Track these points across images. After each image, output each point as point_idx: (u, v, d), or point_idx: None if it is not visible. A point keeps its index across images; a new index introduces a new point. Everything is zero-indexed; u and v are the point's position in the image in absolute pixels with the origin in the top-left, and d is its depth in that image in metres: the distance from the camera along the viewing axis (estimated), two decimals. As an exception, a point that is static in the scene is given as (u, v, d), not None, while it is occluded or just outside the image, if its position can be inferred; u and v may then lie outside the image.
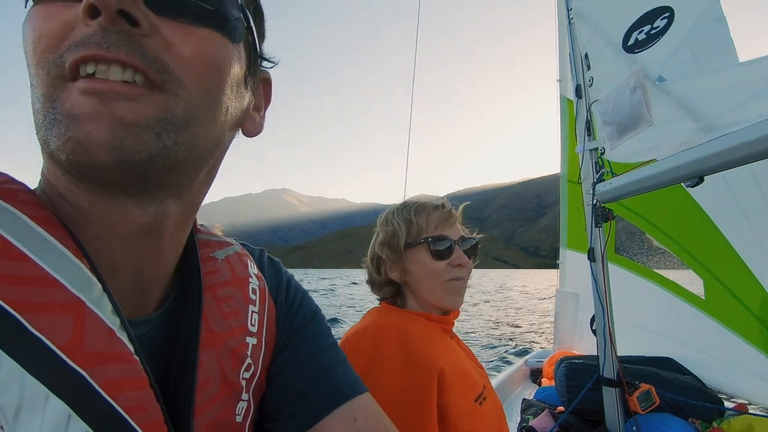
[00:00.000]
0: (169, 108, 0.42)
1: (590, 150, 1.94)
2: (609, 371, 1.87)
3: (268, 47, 0.58)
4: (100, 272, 0.44)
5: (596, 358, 2.22)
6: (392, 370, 1.12)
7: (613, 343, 1.87)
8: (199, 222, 0.63)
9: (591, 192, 1.88)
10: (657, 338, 2.74)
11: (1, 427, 0.34)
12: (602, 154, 1.87)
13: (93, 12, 0.39)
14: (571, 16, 2.01)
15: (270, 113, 0.63)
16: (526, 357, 3.88)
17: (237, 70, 0.50)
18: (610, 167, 1.84)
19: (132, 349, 0.43)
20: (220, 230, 0.70)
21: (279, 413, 0.62)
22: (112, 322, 0.42)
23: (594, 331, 3.37)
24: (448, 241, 1.30)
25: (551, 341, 3.87)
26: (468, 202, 1.53)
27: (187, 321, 0.54)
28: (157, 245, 0.50)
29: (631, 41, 1.59)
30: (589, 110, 1.93)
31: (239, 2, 0.49)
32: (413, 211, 1.35)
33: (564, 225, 3.42)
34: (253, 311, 0.61)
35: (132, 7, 0.39)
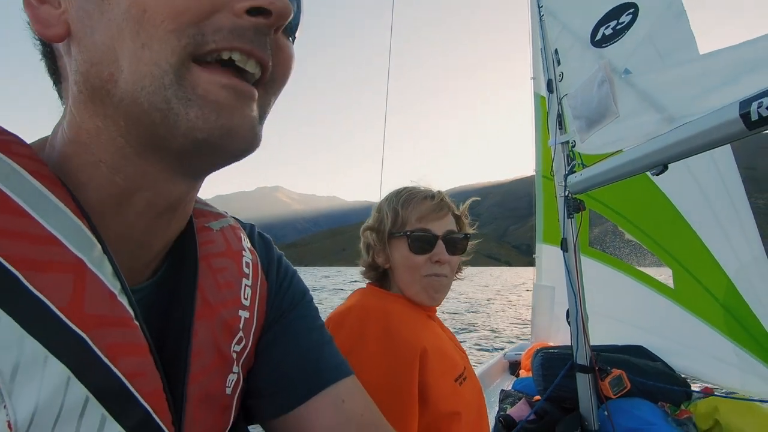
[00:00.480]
0: (267, 105, 0.48)
1: (561, 143, 1.99)
2: (582, 358, 1.92)
3: None
4: (111, 236, 0.44)
5: (571, 347, 2.27)
6: (375, 350, 1.13)
7: (585, 331, 1.93)
8: None
9: (563, 184, 1.93)
10: (629, 328, 2.82)
11: None
12: (573, 146, 1.92)
13: (255, 11, 0.42)
14: (542, 13, 2.06)
15: None
16: (505, 350, 3.94)
17: None
18: (581, 159, 1.89)
19: (132, 313, 0.43)
20: None
21: (263, 391, 0.62)
22: (113, 285, 0.41)
23: (569, 323, 3.46)
24: (430, 236, 1.28)
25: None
26: (477, 198, 1.55)
27: (183, 290, 0.53)
28: (170, 219, 0.50)
29: (599, 36, 1.64)
30: (560, 104, 1.98)
31: (300, 17, 0.54)
32: (402, 201, 1.33)
33: (540, 220, 3.49)
34: (246, 285, 0.61)
35: (291, 17, 0.44)
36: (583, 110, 1.73)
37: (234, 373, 0.57)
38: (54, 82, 0.50)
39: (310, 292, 0.74)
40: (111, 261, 0.42)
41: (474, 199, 1.48)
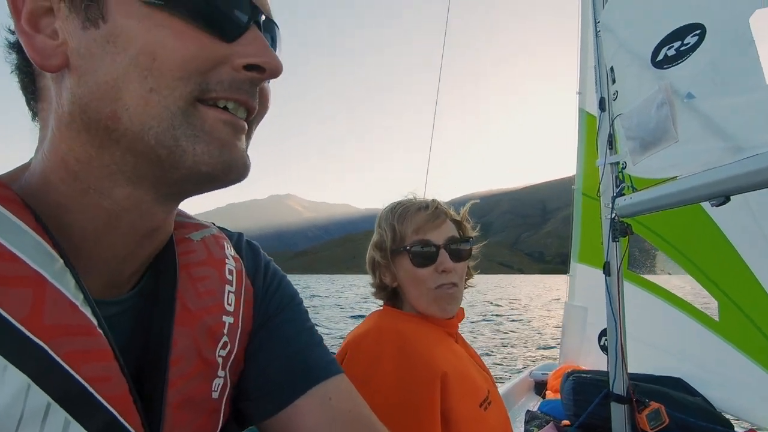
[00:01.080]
0: (250, 138, 0.53)
1: (611, 164, 1.93)
2: (619, 387, 1.85)
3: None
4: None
5: (605, 373, 2.19)
6: (393, 373, 1.09)
7: (624, 360, 1.86)
8: None
9: (610, 206, 1.87)
10: (666, 356, 2.71)
11: None
12: (623, 168, 1.85)
13: (251, 67, 0.48)
14: (598, 29, 2.00)
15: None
16: (531, 368, 3.86)
17: None
18: (631, 182, 1.83)
19: (95, 322, 0.44)
20: None
21: (254, 393, 0.64)
22: (75, 297, 0.43)
23: (602, 347, 3.36)
24: (431, 246, 1.23)
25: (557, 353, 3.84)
26: (477, 201, 1.49)
27: (162, 300, 0.55)
28: (153, 237, 0.54)
29: (660, 57, 1.58)
30: (612, 124, 1.92)
31: None
32: (397, 216, 1.29)
33: (576, 238, 3.40)
34: (229, 291, 0.62)
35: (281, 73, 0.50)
36: (639, 132, 1.67)
37: (220, 377, 0.59)
38: (29, 99, 0.52)
39: (300, 296, 0.76)
40: (74, 274, 0.44)
41: (473, 202, 1.43)
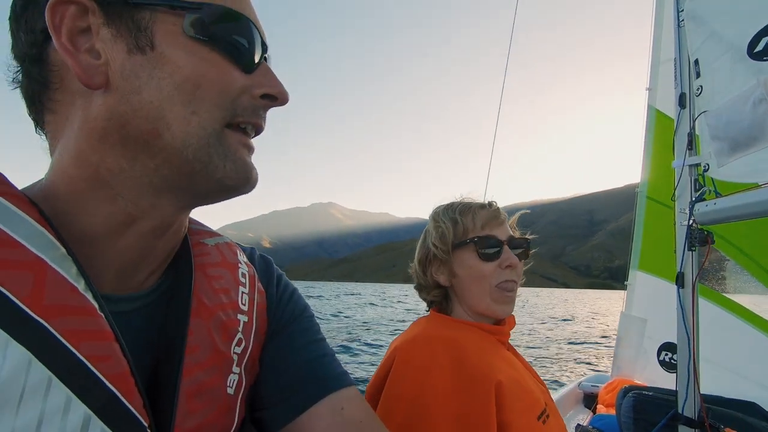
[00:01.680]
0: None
1: (690, 166, 1.77)
2: (690, 410, 1.70)
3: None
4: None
5: (670, 392, 2.04)
6: (446, 384, 1.04)
7: (697, 379, 1.70)
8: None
9: (688, 212, 1.71)
10: (738, 379, 2.49)
11: None
12: (705, 171, 1.69)
13: (267, 97, 0.57)
14: (681, 18, 1.84)
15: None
16: (581, 379, 3.68)
17: None
18: (714, 186, 1.67)
19: (96, 305, 0.47)
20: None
21: (268, 401, 0.67)
22: (76, 281, 0.46)
23: (662, 362, 3.15)
24: (496, 241, 1.22)
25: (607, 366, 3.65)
26: (527, 210, 1.48)
27: (178, 294, 0.59)
28: (167, 239, 0.59)
29: (759, 47, 1.42)
30: (693, 122, 1.76)
31: None
32: (458, 210, 1.27)
33: (637, 244, 3.19)
34: (243, 292, 0.66)
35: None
36: (728, 131, 1.51)
37: (235, 373, 0.61)
38: (37, 110, 0.56)
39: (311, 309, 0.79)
40: (75, 261, 0.47)
41: (524, 212, 1.42)
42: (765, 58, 1.39)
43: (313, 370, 0.69)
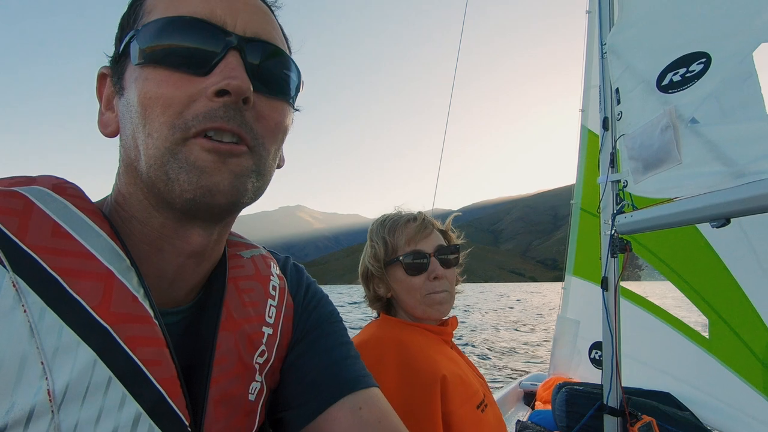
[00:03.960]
0: (257, 162, 0.56)
1: (612, 181, 1.98)
2: (613, 400, 1.89)
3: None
4: (149, 272, 0.56)
5: (597, 386, 2.24)
6: (394, 380, 1.14)
7: (619, 373, 1.90)
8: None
9: (610, 222, 1.92)
10: (654, 372, 2.77)
11: (42, 363, 0.43)
12: (624, 186, 1.91)
13: (221, 93, 0.52)
14: (604, 51, 2.06)
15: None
16: (521, 379, 3.90)
17: (290, 126, 0.64)
18: (632, 200, 1.88)
19: (152, 314, 0.52)
20: None
21: (291, 402, 0.69)
22: (137, 291, 0.51)
23: (592, 360, 3.41)
24: (422, 256, 1.31)
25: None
26: (459, 213, 1.57)
27: (210, 307, 0.63)
28: (199, 259, 0.61)
29: (666, 81, 1.64)
30: (615, 143, 1.98)
31: (300, 79, 0.63)
32: (388, 229, 1.36)
33: (572, 252, 3.46)
34: (271, 305, 0.69)
35: (251, 92, 0.53)
36: (642, 152, 1.73)
37: (257, 381, 0.65)
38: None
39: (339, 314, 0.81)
40: (137, 272, 0.52)
41: (456, 214, 1.51)
42: (670, 91, 1.61)
43: (333, 372, 0.70)
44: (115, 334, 0.48)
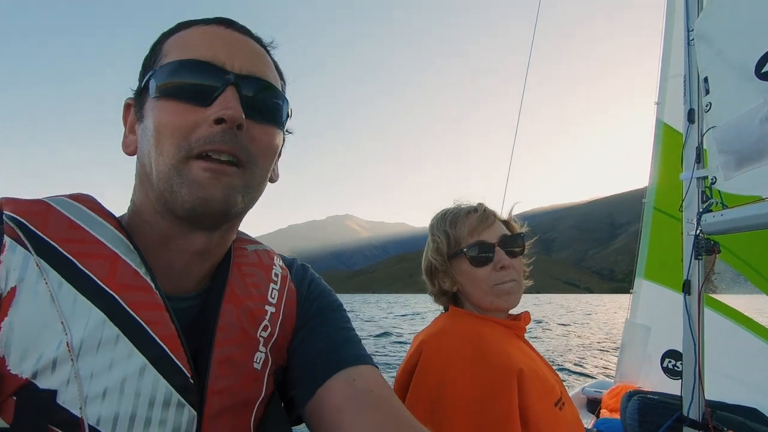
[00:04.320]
0: (249, 178, 0.67)
1: (698, 178, 1.85)
2: (695, 412, 1.77)
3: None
4: (160, 265, 0.68)
5: (675, 397, 2.10)
6: (468, 373, 1.11)
7: (701, 383, 1.77)
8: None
9: (695, 222, 1.79)
10: (738, 386, 2.55)
11: (61, 323, 0.55)
12: (712, 183, 1.77)
13: (219, 121, 0.63)
14: (691, 38, 1.92)
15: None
16: (584, 385, 3.74)
17: (280, 146, 0.75)
18: (721, 198, 1.74)
19: (153, 285, 0.63)
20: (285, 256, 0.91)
21: (296, 382, 0.77)
22: (138, 267, 0.63)
23: (665, 369, 3.21)
24: (486, 246, 1.28)
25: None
26: (519, 201, 1.52)
27: (216, 286, 0.73)
28: (202, 257, 0.72)
29: (766, 68, 1.50)
30: (701, 137, 1.84)
31: (288, 107, 0.75)
32: (449, 222, 1.34)
33: (643, 254, 3.26)
34: (273, 288, 0.79)
35: (243, 120, 0.64)
36: (735, 146, 1.59)
37: (261, 352, 0.73)
38: None
39: (342, 306, 0.89)
40: (140, 254, 0.64)
41: (517, 202, 1.47)
42: (772, 78, 1.47)
43: (332, 351, 0.77)
44: (120, 299, 0.59)
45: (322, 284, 0.90)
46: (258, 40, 0.74)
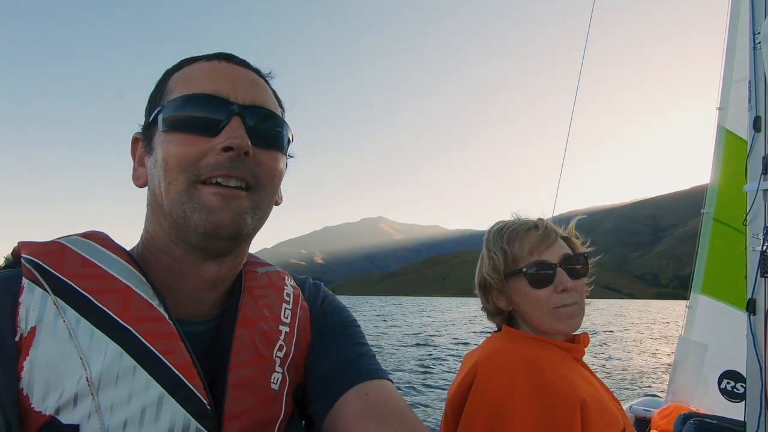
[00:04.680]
0: (256, 201, 0.70)
1: (765, 190, 1.73)
2: (760, 441, 1.65)
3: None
4: (174, 292, 0.71)
5: (736, 422, 1.98)
6: (528, 404, 1.04)
7: None
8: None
9: (761, 237, 1.68)
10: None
11: (80, 358, 0.57)
12: (781, 196, 1.66)
13: (227, 149, 0.66)
14: (757, 41, 1.81)
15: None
16: (631, 402, 3.58)
17: (284, 170, 0.78)
18: (791, 213, 1.63)
19: (166, 316, 0.64)
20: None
21: (313, 398, 0.78)
22: (151, 299, 0.65)
23: (723, 390, 3.02)
24: (547, 266, 1.19)
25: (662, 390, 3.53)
26: (583, 216, 1.42)
27: (228, 309, 0.75)
28: (214, 284, 0.75)
29: None
30: (768, 146, 1.73)
31: (289, 133, 0.78)
32: (506, 238, 1.25)
33: (701, 267, 3.08)
34: (286, 308, 0.81)
35: (250, 147, 0.67)
36: (809, 157, 1.48)
37: (278, 372, 0.74)
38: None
39: (357, 322, 0.90)
40: (152, 287, 0.66)
41: (580, 217, 1.36)
42: None
43: (346, 366, 0.78)
44: (134, 331, 0.61)
45: (336, 301, 0.92)
46: (257, 72, 0.78)
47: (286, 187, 0.83)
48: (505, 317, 1.31)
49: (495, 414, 1.06)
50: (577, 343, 1.26)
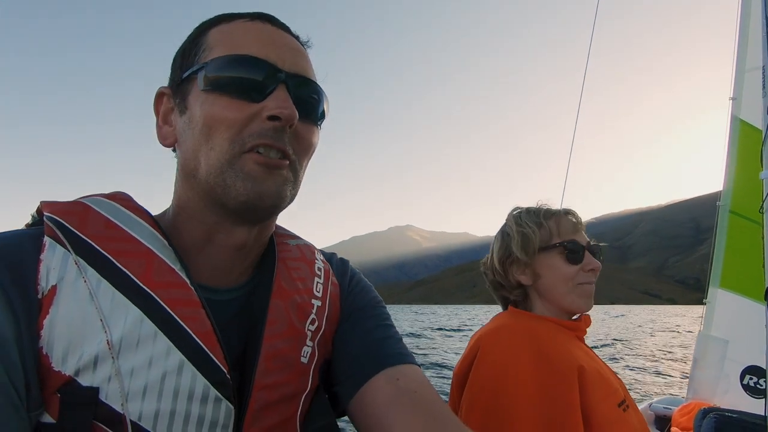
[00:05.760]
0: (295, 173, 0.69)
1: (780, 178, 1.70)
2: (781, 434, 1.61)
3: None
4: (203, 259, 0.70)
5: (757, 417, 1.94)
6: (529, 369, 1.12)
7: (789, 403, 1.61)
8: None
9: (778, 226, 1.64)
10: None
11: (101, 320, 0.56)
12: (797, 183, 1.62)
13: (273, 118, 0.64)
14: (770, 26, 1.78)
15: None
16: (651, 400, 3.52)
17: (317, 144, 0.77)
18: (809, 200, 1.59)
19: (188, 281, 0.64)
20: None
21: (340, 376, 0.77)
22: (173, 263, 0.64)
23: (746, 386, 2.95)
24: (580, 247, 1.32)
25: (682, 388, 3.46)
26: (593, 220, 1.57)
27: (263, 281, 0.75)
28: (242, 251, 0.73)
29: None
30: (784, 133, 1.69)
31: (326, 105, 0.75)
32: (543, 215, 1.37)
33: (718, 261, 3.02)
34: (318, 282, 0.80)
35: (296, 120, 0.66)
36: (825, 142, 1.45)
37: (308, 346, 0.74)
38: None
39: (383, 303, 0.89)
40: (175, 251, 0.65)
41: (586, 221, 1.48)
42: None
43: (374, 348, 0.77)
44: (156, 297, 0.60)
45: (363, 279, 0.91)
46: (297, 38, 0.75)
47: (313, 196, 0.68)
48: (521, 294, 1.38)
49: (498, 378, 1.14)
50: (578, 321, 1.36)
